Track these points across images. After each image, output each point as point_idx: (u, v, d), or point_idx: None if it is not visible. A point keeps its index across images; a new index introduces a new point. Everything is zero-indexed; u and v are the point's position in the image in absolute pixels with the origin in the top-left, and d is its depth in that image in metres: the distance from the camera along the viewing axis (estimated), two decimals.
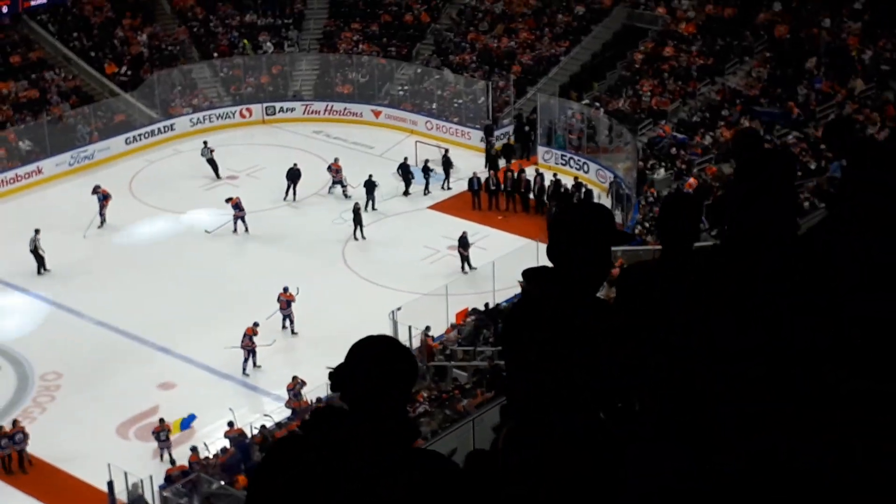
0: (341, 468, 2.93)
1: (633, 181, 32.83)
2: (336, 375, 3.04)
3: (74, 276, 30.18)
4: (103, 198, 32.92)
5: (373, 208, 33.90)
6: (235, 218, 32.71)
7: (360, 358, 3.01)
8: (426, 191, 35.23)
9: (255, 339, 26.48)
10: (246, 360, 26.46)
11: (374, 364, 2.99)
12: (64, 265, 30.61)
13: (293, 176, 34.42)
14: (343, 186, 34.87)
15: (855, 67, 34.49)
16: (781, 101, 34.39)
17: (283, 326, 28.02)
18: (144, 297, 29.27)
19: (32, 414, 25.21)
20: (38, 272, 30.43)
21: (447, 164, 35.74)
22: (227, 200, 33.01)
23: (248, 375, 26.49)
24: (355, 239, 32.07)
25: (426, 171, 35.33)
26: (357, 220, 32.08)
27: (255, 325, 26.60)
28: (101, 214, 32.91)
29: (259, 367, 26.60)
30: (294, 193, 34.46)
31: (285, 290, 27.95)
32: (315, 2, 44.81)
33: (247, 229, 32.72)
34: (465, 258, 30.32)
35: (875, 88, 33.48)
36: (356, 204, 32.44)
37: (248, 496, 3.05)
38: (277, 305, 27.94)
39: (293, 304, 27.85)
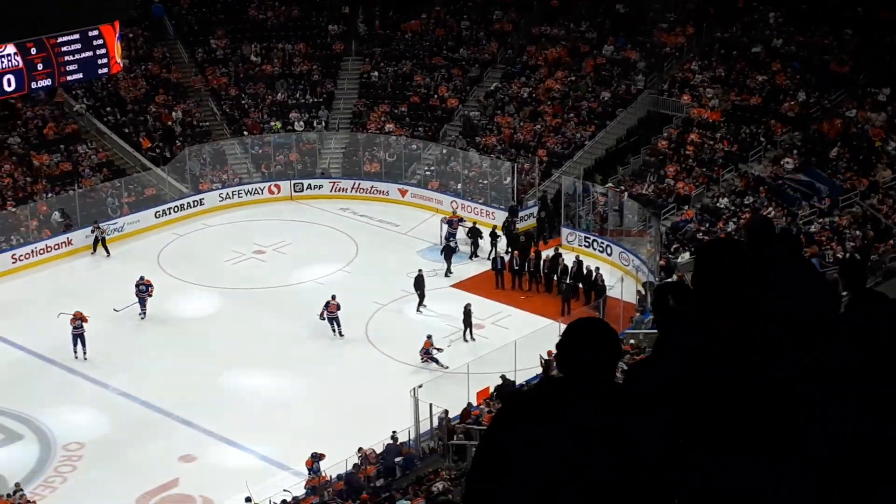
0: (564, 431, 3.42)
1: (655, 265, 33.02)
2: (557, 351, 3.66)
3: (99, 348, 30.39)
4: (146, 289, 32.35)
5: (447, 274, 34.83)
6: (144, 298, 32.20)
7: (575, 337, 3.61)
8: (475, 255, 36.27)
9: (434, 351, 29.37)
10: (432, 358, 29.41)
11: (587, 341, 3.59)
12: (88, 337, 30.82)
13: (420, 284, 32.71)
14: (450, 239, 35.87)
15: (879, 158, 34.78)
16: (803, 193, 34.66)
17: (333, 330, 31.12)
18: (169, 370, 29.53)
19: (53, 483, 25.35)
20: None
21: (475, 234, 36.32)
22: (140, 280, 32.37)
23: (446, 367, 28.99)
24: (465, 340, 31.05)
25: (475, 233, 36.25)
26: (467, 322, 31.05)
27: (429, 336, 29.70)
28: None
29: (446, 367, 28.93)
30: (421, 302, 32.79)
31: (333, 297, 31.12)
32: (345, 82, 45.64)
33: (144, 314, 32.19)
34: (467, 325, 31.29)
35: None
36: (468, 305, 31.29)
37: (480, 450, 3.60)
38: (326, 311, 31.11)
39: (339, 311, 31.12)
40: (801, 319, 4.80)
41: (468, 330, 31.10)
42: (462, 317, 31.10)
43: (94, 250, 36.80)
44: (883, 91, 36.87)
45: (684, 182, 37.10)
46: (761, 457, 3.65)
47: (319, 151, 43.12)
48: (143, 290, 32.09)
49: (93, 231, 36.84)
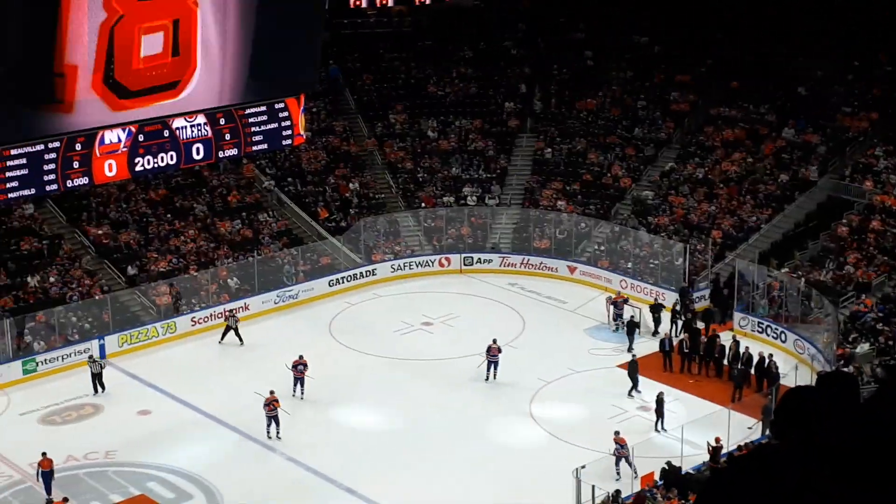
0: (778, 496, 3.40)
1: (832, 354, 31.92)
2: (774, 422, 3.68)
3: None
4: (303, 368, 32.01)
5: (629, 349, 34.54)
6: (296, 378, 31.82)
7: (792, 407, 3.60)
8: (655, 332, 35.97)
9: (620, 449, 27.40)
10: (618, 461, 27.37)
11: (806, 410, 3.55)
12: (260, 401, 31.57)
13: (634, 369, 32.34)
14: (618, 319, 36.18)
15: None
16: None
17: (487, 377, 32.81)
18: (335, 436, 29.96)
19: None
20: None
21: (657, 310, 36.14)
22: (299, 359, 32.01)
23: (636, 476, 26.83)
24: (657, 431, 29.70)
25: (657, 308, 36.35)
26: (660, 412, 29.87)
27: (617, 432, 27.74)
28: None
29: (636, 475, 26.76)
30: (634, 387, 32.14)
31: (495, 341, 32.96)
32: (519, 159, 46.03)
33: (302, 395, 31.77)
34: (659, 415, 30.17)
35: None
36: (661, 394, 30.20)
37: None
38: (486, 356, 32.84)
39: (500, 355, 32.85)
40: None
41: (660, 420, 29.97)
42: (654, 406, 30.16)
43: (223, 338, 35.77)
44: None
45: (864, 269, 35.88)
46: None
47: (490, 226, 43.48)
48: (301, 370, 31.88)
49: (226, 319, 36.18)
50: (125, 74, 25.32)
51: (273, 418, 29.79)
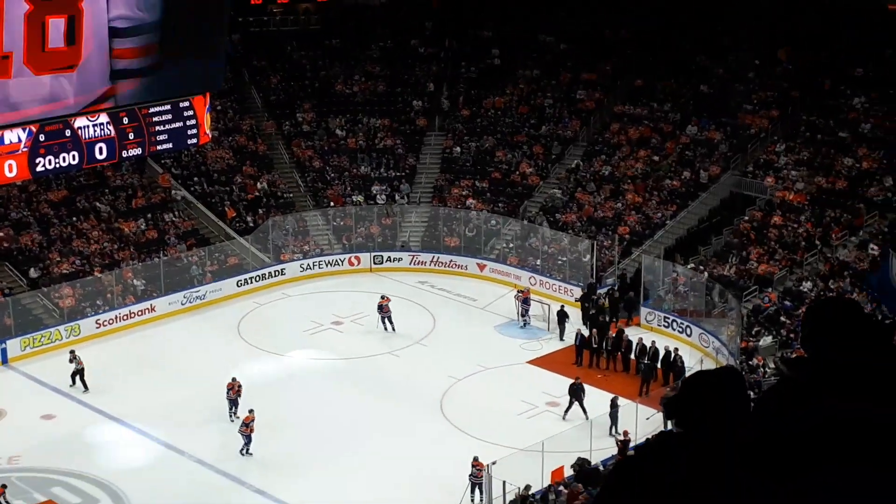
0: (677, 490, 3.25)
1: (736, 348, 32.54)
2: (672, 404, 3.39)
3: (176, 415, 30.66)
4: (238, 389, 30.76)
5: (561, 338, 35.27)
6: (231, 400, 30.58)
7: (696, 388, 3.38)
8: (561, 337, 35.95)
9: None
10: None
11: (708, 394, 3.35)
12: (167, 404, 31.19)
13: (576, 391, 30.83)
14: (525, 315, 36.69)
15: None
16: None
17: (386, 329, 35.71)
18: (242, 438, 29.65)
19: None
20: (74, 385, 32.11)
21: (562, 316, 36.01)
22: (233, 382, 30.78)
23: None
24: (611, 435, 28.93)
25: (585, 298, 36.89)
26: (614, 416, 29.33)
27: (475, 459, 26.64)
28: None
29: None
30: (583, 410, 30.52)
31: (382, 297, 35.95)
32: (427, 157, 46.09)
33: (236, 416, 30.21)
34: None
35: None
36: (614, 398, 29.79)
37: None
38: (379, 314, 35.71)
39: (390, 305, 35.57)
40: None
41: (614, 426, 29.23)
42: (609, 410, 29.52)
43: (73, 383, 32.33)
44: None
45: (767, 264, 36.64)
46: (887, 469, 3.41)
47: (400, 225, 43.48)
48: (237, 390, 30.73)
49: (70, 360, 32.43)
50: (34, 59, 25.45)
51: (248, 437, 28.76)
